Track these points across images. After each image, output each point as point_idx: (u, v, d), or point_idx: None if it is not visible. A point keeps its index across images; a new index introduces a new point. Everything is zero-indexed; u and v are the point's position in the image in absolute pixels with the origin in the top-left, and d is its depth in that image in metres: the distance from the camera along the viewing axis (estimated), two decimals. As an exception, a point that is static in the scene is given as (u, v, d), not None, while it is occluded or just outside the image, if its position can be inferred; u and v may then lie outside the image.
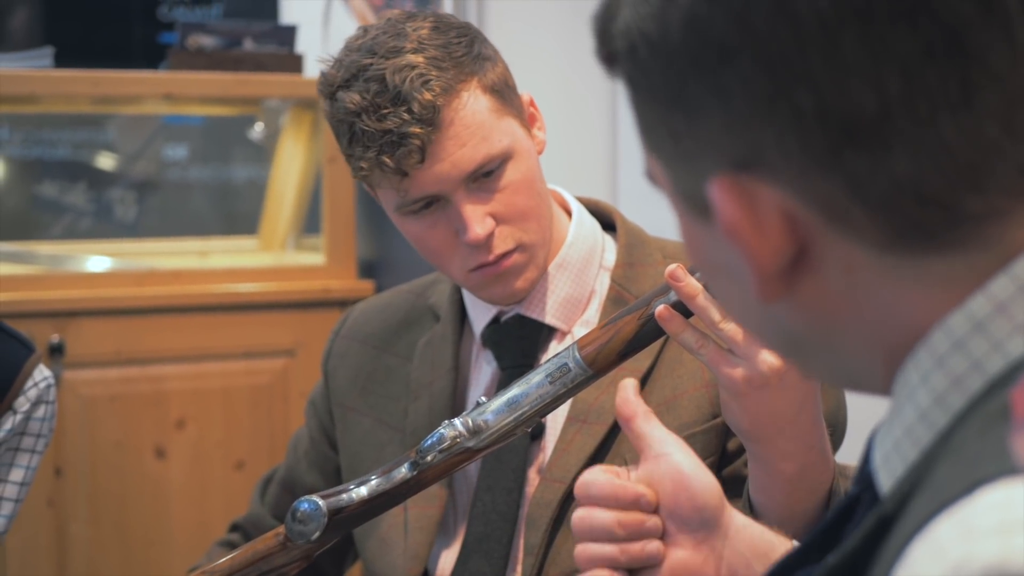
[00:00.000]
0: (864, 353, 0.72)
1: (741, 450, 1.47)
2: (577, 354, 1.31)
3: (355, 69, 1.47)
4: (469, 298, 1.64)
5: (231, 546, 1.75)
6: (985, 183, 0.65)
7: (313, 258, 3.31)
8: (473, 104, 1.48)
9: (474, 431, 1.34)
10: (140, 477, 3.00)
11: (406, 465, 1.36)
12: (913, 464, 0.68)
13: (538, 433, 1.56)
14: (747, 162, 0.68)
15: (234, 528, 1.81)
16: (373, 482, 1.37)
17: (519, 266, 1.53)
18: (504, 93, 1.52)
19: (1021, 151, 0.65)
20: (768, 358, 1.21)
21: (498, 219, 1.50)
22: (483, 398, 1.35)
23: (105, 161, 3.65)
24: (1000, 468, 0.59)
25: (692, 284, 1.22)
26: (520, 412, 1.32)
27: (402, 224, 1.54)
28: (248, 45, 3.24)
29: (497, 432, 1.34)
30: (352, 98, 1.46)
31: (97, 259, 3.25)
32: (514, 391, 1.33)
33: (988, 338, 0.66)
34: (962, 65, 0.64)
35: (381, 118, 1.44)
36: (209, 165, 3.83)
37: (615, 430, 1.51)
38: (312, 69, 3.30)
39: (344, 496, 1.37)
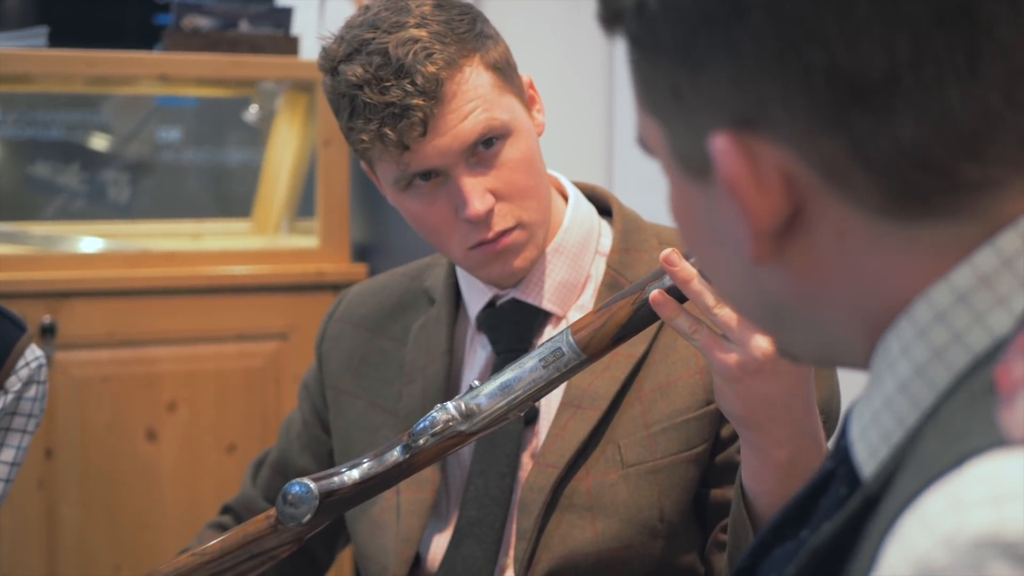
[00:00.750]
0: (846, 323, 0.72)
1: (734, 437, 1.47)
2: (571, 338, 1.30)
3: (357, 43, 1.47)
4: (464, 282, 1.64)
5: (222, 528, 1.74)
6: (984, 152, 0.66)
7: (307, 241, 3.31)
8: (475, 79, 1.48)
9: (467, 415, 1.33)
10: (131, 459, 2.99)
11: (398, 448, 1.36)
12: (898, 444, 0.68)
13: (532, 418, 1.56)
14: (751, 119, 0.68)
15: (225, 510, 1.81)
16: (365, 465, 1.37)
17: (518, 244, 1.52)
18: (506, 71, 1.52)
19: (1021, 123, 0.66)
20: (762, 343, 1.21)
21: (498, 196, 1.50)
22: (476, 382, 1.35)
23: (99, 142, 3.64)
24: (988, 440, 0.59)
25: (687, 269, 1.22)
26: (513, 396, 1.32)
27: (401, 202, 1.54)
28: (244, 27, 3.23)
29: (490, 416, 1.33)
30: (354, 71, 1.45)
31: (90, 240, 3.24)
32: (507, 375, 1.32)
33: (970, 310, 0.66)
34: (970, 34, 0.64)
35: (384, 90, 1.44)
36: (203, 147, 3.82)
37: (609, 415, 1.51)
38: (308, 51, 3.29)
39: (336, 479, 1.37)
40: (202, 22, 3.20)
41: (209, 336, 3.08)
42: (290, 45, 3.27)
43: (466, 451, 1.57)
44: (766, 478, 1.30)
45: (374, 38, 1.46)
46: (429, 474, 1.56)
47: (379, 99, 1.44)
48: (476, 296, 1.62)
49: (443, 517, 1.59)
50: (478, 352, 1.62)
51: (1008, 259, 0.66)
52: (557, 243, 1.58)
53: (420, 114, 1.44)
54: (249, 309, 3.11)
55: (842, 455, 0.75)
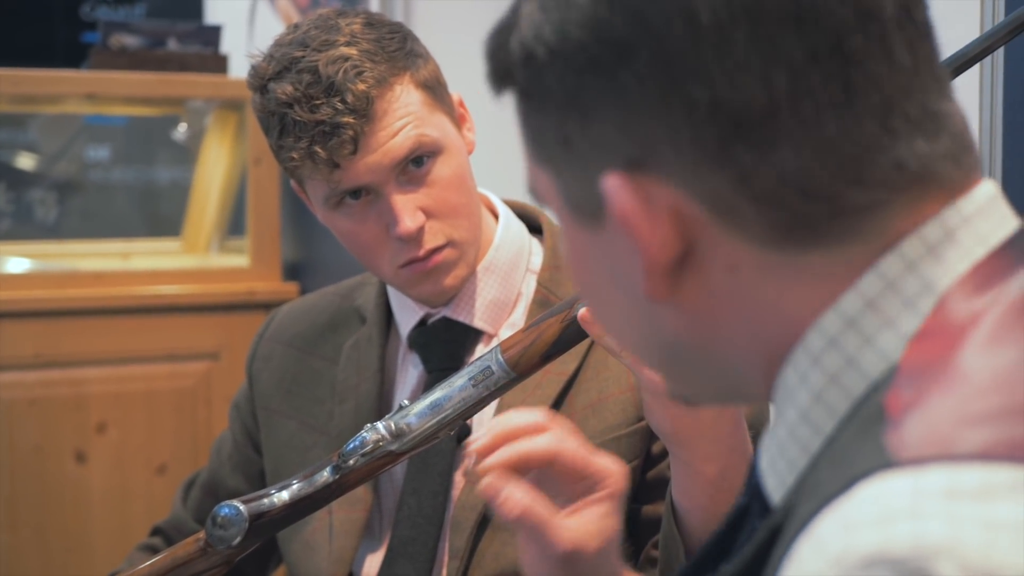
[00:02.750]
0: (744, 358, 0.73)
1: (665, 453, 1.47)
2: (500, 357, 1.30)
3: (287, 61, 1.46)
4: (396, 300, 1.64)
5: (152, 550, 1.73)
6: (866, 176, 0.68)
7: (237, 260, 3.29)
8: (405, 97, 1.48)
9: (397, 434, 1.33)
10: (60, 482, 2.96)
11: (328, 469, 1.35)
12: (803, 472, 0.70)
13: (464, 436, 1.56)
14: (640, 161, 0.70)
15: (155, 532, 1.79)
16: (295, 486, 1.36)
17: (449, 263, 1.53)
18: (436, 90, 1.52)
19: (897, 148, 0.69)
20: None
21: (429, 214, 1.50)
22: (406, 401, 1.35)
23: (26, 161, 3.61)
24: (876, 463, 0.61)
25: None
26: (443, 415, 1.32)
27: (331, 220, 1.53)
28: (172, 45, 3.22)
29: (420, 435, 1.33)
30: (284, 89, 1.45)
31: (17, 260, 3.21)
32: (437, 394, 1.32)
33: (859, 333, 0.69)
34: (843, 68, 0.68)
35: (314, 109, 1.44)
36: (132, 166, 3.79)
37: None
38: (237, 69, 3.27)
39: (265, 501, 1.36)
40: (130, 40, 3.18)
41: (139, 356, 3.06)
42: (219, 63, 3.26)
43: (399, 470, 1.56)
44: (696, 494, 1.31)
45: (304, 56, 1.45)
46: (361, 494, 1.56)
47: (309, 117, 1.44)
48: (407, 315, 1.62)
49: (376, 537, 1.59)
50: (410, 371, 1.62)
51: (891, 282, 0.69)
52: (488, 261, 1.59)
53: (351, 132, 1.44)
54: (179, 329, 3.09)
55: (754, 489, 0.77)
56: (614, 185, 0.70)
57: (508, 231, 1.61)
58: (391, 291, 1.64)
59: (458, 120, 1.56)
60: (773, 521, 0.68)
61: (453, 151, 1.52)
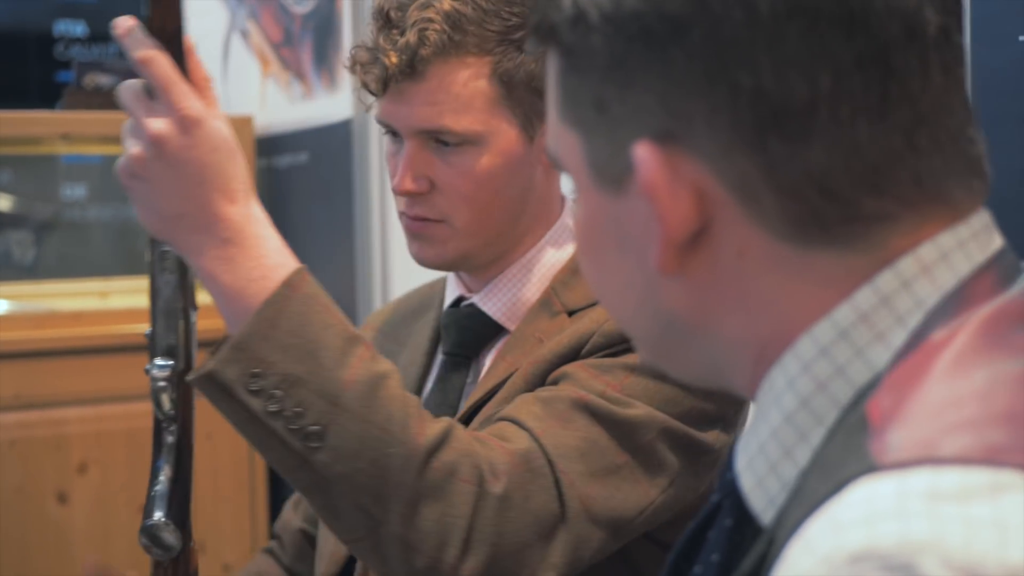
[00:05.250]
0: (736, 345, 0.77)
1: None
2: None
3: None
4: (450, 278, 1.61)
5: (272, 554, 1.74)
6: (884, 187, 0.72)
7: (216, 297, 3.28)
8: (468, 79, 1.43)
9: None
10: (42, 523, 2.93)
11: None
12: (793, 488, 0.73)
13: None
14: (673, 133, 0.73)
15: (273, 536, 1.79)
16: None
17: (435, 237, 1.48)
18: (516, 90, 1.45)
19: (919, 164, 0.72)
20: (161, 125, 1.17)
21: (437, 188, 1.46)
22: None
23: (2, 202, 3.60)
24: (861, 468, 0.65)
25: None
26: None
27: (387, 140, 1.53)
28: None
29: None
30: (381, 5, 1.45)
31: (-5, 301, 3.20)
32: None
33: (851, 345, 0.72)
34: (884, 79, 0.71)
35: (380, 33, 1.44)
36: (109, 204, 3.79)
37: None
38: (212, 107, 3.27)
39: None
40: (104, 79, 3.18)
41: (119, 395, 3.04)
42: (194, 100, 3.26)
43: None
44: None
45: None
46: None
47: (373, 39, 1.45)
48: (450, 293, 1.60)
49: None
50: (439, 352, 1.60)
51: (885, 297, 0.72)
52: (528, 258, 1.54)
53: (379, 71, 1.43)
54: (160, 366, 3.07)
55: (728, 487, 0.80)
56: (645, 153, 0.72)
57: (558, 233, 1.56)
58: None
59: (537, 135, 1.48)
60: (769, 536, 0.71)
61: (497, 152, 1.46)
